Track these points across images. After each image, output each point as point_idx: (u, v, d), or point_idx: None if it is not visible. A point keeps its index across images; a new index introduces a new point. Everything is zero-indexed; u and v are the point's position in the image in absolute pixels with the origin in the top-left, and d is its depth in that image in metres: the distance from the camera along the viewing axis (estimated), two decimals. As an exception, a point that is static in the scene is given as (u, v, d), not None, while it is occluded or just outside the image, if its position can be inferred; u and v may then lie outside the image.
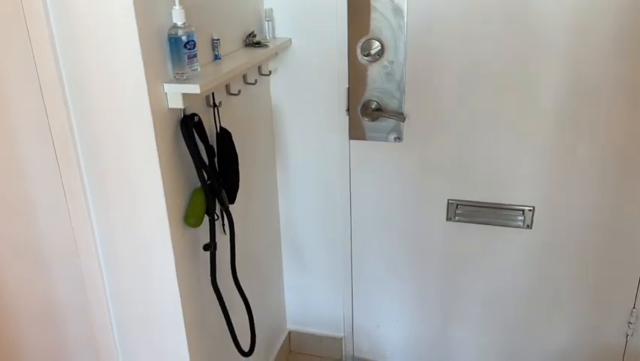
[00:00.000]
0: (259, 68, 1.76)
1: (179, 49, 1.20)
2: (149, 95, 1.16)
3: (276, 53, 1.80)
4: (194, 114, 1.31)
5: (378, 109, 1.79)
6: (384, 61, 1.73)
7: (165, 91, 1.21)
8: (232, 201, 1.51)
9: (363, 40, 1.72)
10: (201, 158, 1.31)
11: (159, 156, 1.21)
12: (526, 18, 1.57)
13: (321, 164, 1.92)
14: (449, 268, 1.94)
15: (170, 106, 1.23)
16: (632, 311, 1.81)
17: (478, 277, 1.92)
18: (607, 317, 1.84)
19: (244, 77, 1.65)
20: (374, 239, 1.98)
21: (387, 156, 1.85)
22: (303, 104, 1.86)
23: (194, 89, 1.20)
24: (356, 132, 1.84)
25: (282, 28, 1.79)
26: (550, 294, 1.87)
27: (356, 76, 1.77)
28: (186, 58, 1.21)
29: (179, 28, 1.20)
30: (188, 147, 1.28)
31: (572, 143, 1.66)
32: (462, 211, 1.84)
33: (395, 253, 1.98)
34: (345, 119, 1.83)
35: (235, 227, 1.51)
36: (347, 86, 1.79)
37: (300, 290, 2.17)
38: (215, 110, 1.43)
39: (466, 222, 1.85)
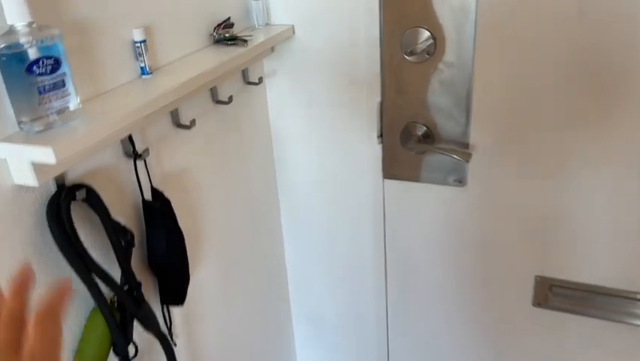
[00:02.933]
0: (244, 73, 1.15)
1: (20, 75, 0.62)
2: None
3: (272, 49, 1.18)
4: (78, 186, 0.73)
5: (428, 136, 1.14)
6: (438, 62, 1.07)
7: (2, 156, 0.64)
8: (179, 301, 0.93)
9: (406, 30, 1.07)
10: (90, 261, 0.73)
11: (-7, 278, 0.65)
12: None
13: (343, 213, 1.31)
14: (533, 370, 1.29)
15: (17, 182, 0.66)
16: None
17: (579, 386, 1.26)
18: None
19: (213, 92, 1.05)
20: (421, 321, 1.36)
21: (442, 206, 1.21)
22: (314, 126, 1.24)
23: (44, 155, 0.61)
24: (393, 169, 1.21)
25: (279, 10, 1.16)
26: None
27: (394, 85, 1.13)
28: (37, 91, 0.63)
29: (20, 34, 0.62)
30: (61, 250, 0.70)
31: None
32: (558, 295, 1.18)
33: (453, 345, 1.35)
34: (376, 149, 1.20)
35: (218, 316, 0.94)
36: (379, 100, 1.15)
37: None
38: (142, 163, 0.85)
39: (564, 311, 1.19)
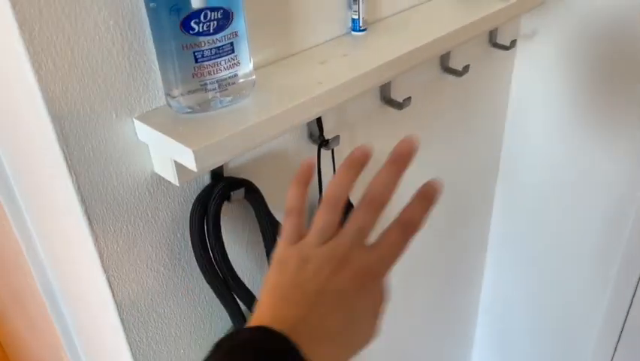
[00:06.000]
0: (491, 32, 0.84)
1: (173, 32, 0.42)
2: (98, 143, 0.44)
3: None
4: (236, 184, 0.53)
5: None
6: None
7: (142, 139, 0.47)
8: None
9: None
10: (235, 283, 0.55)
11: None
12: None
13: (584, 237, 0.96)
14: None
15: (157, 171, 0.49)
16: None
17: None
18: None
19: (442, 58, 0.77)
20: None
21: None
22: (576, 119, 0.89)
23: (183, 156, 0.42)
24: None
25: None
26: None
27: None
28: (192, 58, 0.43)
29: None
30: (200, 265, 0.53)
31: None
32: None
33: None
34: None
35: None
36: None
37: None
38: (329, 152, 0.63)
39: None
